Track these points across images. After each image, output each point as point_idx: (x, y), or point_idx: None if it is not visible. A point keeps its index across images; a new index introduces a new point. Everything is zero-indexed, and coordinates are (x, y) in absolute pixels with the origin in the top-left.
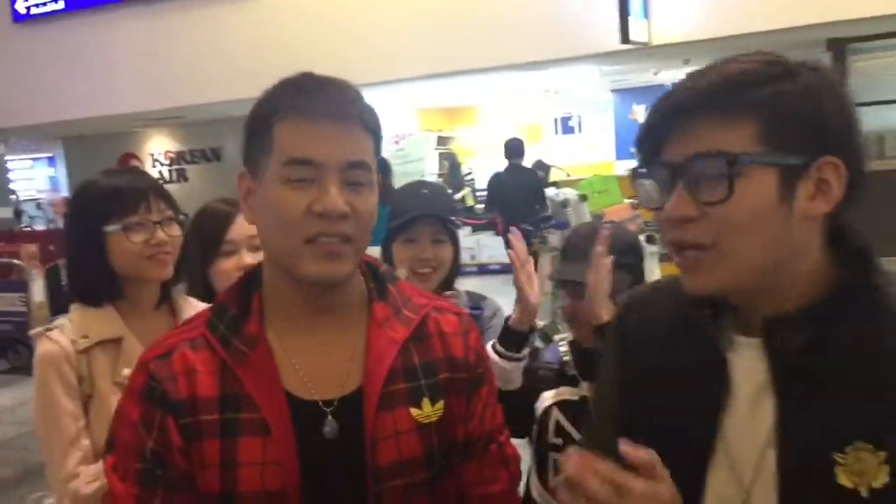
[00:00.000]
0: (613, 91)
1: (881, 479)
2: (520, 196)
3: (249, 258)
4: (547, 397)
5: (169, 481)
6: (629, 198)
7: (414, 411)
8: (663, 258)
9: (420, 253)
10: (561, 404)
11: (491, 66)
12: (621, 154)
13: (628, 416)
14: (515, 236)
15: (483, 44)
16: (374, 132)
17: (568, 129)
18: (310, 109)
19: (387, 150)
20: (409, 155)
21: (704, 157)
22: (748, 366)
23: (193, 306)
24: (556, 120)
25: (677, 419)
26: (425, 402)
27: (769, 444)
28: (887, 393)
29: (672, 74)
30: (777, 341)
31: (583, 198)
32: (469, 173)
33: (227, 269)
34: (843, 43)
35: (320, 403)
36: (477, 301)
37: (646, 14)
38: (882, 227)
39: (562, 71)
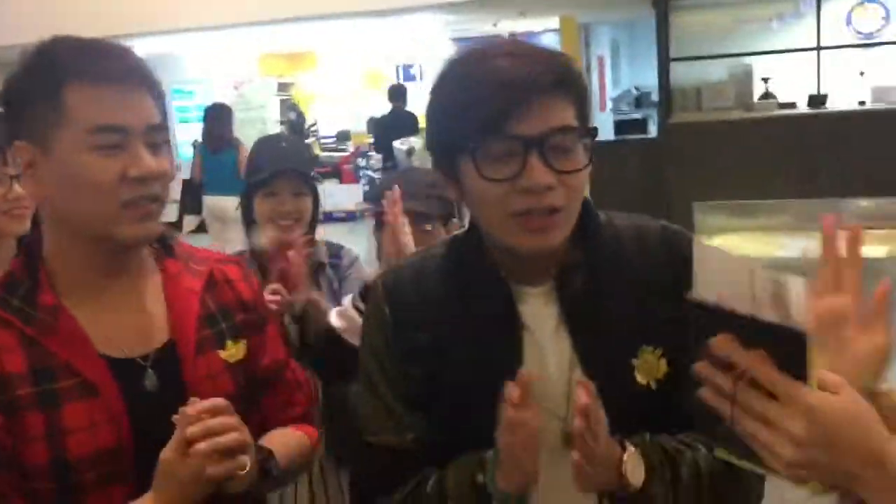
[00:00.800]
0: (453, 40)
1: (662, 370)
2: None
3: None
4: None
5: None
6: None
7: (222, 353)
8: None
9: (281, 206)
10: None
11: (336, 13)
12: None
13: (417, 393)
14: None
15: None
16: (159, 93)
17: (409, 77)
18: (104, 74)
19: (227, 96)
20: (251, 101)
21: (561, 131)
22: (538, 312)
23: None
24: (397, 67)
25: (479, 377)
26: (229, 343)
27: (572, 370)
28: (648, 302)
29: (510, 25)
30: (566, 286)
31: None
32: (314, 123)
33: None
34: (664, 1)
35: (137, 360)
36: (336, 251)
37: None
38: (701, 174)
39: (404, 19)
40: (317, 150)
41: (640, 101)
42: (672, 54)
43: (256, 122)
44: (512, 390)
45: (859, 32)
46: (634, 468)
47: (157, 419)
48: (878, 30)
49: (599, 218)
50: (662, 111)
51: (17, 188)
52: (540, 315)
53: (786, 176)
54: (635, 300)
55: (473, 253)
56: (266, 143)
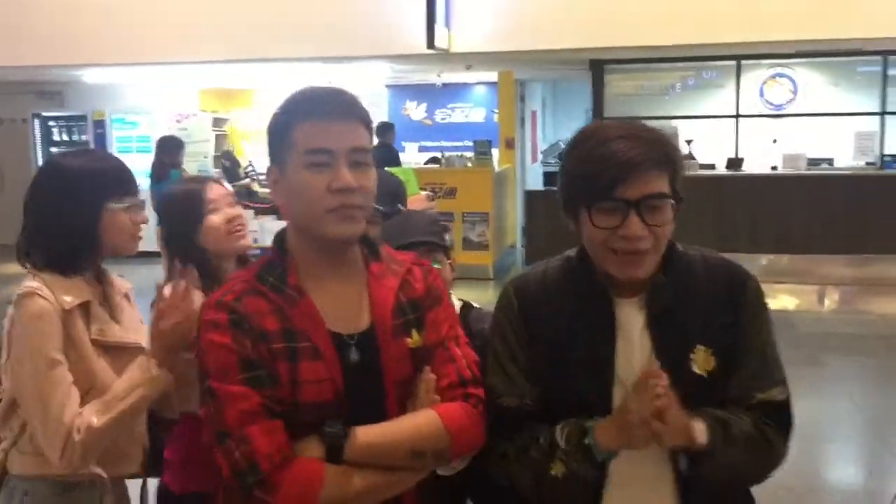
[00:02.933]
0: (388, 86)
1: (711, 364)
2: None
3: (232, 211)
4: None
5: (272, 380)
6: (423, 189)
7: (409, 341)
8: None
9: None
10: None
11: (283, 57)
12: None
13: (536, 368)
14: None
15: (289, 35)
16: (368, 124)
17: None
18: (320, 112)
19: (170, 129)
20: (192, 135)
21: (655, 196)
22: (628, 317)
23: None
24: None
25: (584, 360)
26: (414, 332)
27: (651, 360)
28: (707, 313)
29: (453, 76)
30: (654, 298)
31: None
32: (249, 164)
33: (217, 222)
34: (601, 64)
35: (345, 337)
36: None
37: (447, 24)
38: None
39: (346, 65)
40: (255, 187)
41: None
42: (605, 114)
43: (198, 155)
44: (658, 380)
45: (770, 103)
46: (700, 430)
47: (358, 386)
48: (788, 102)
49: (679, 250)
50: None
51: (144, 213)
52: (631, 320)
53: (703, 232)
54: (700, 311)
55: (586, 270)
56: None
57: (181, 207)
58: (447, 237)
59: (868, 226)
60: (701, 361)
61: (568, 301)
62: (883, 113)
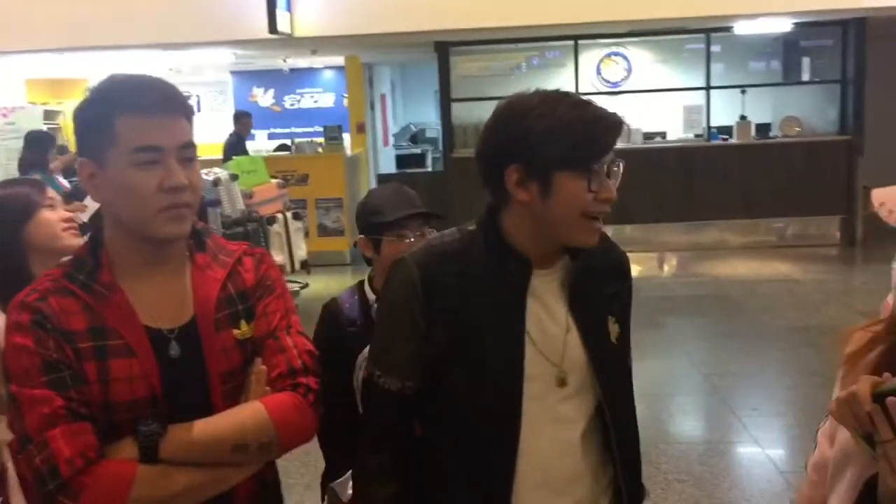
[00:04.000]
0: (233, 73)
1: (616, 331)
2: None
3: (65, 213)
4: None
5: (78, 380)
6: (274, 177)
7: (235, 332)
8: (307, 235)
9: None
10: None
11: (117, 45)
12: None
13: (443, 340)
14: None
15: (126, 21)
16: (190, 116)
17: None
18: (144, 105)
19: None
20: (21, 129)
21: (620, 161)
22: (544, 285)
23: None
24: None
25: (495, 327)
26: (242, 323)
27: (568, 331)
28: (606, 288)
29: (300, 62)
30: (573, 268)
31: (234, 177)
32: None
33: (53, 217)
34: (446, 46)
35: (164, 331)
36: None
37: (289, 8)
38: (481, 204)
39: (184, 52)
40: None
41: (416, 137)
42: (452, 96)
43: None
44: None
45: (607, 81)
46: None
47: (178, 381)
48: (623, 79)
49: None
50: (446, 147)
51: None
52: (547, 291)
53: None
54: (601, 282)
55: (501, 241)
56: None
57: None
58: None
59: (698, 194)
60: (612, 329)
61: (477, 272)
62: (708, 88)
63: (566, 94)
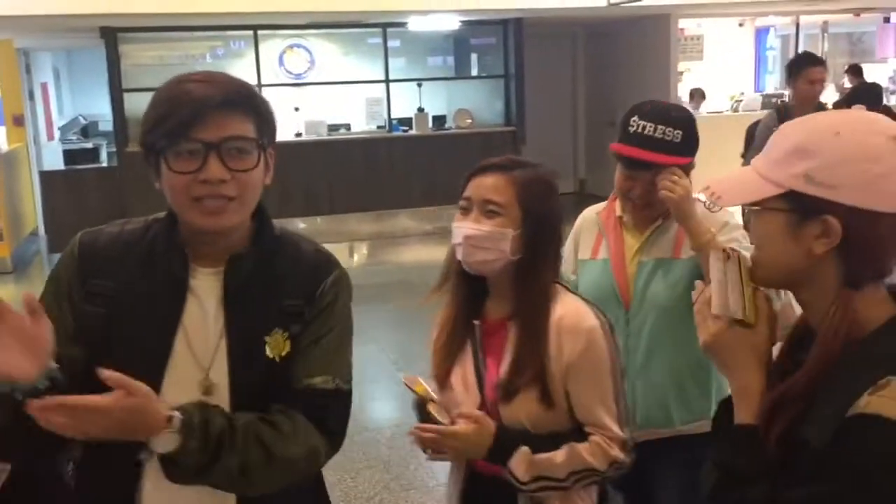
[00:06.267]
0: None
1: (287, 348)
2: None
3: None
4: None
5: None
6: None
7: None
8: None
9: None
10: None
11: None
12: None
13: (87, 326)
14: None
15: None
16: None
17: None
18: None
19: None
20: None
21: (237, 139)
22: (206, 286)
23: None
24: None
25: (147, 317)
26: None
27: (222, 337)
28: (283, 300)
29: None
30: (233, 270)
31: None
32: None
33: None
34: (114, 32)
35: None
36: None
37: None
38: (160, 201)
39: None
40: None
41: (87, 130)
42: (123, 85)
43: None
44: None
45: (290, 73)
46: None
47: None
48: (307, 71)
49: (272, 229)
50: (119, 141)
51: None
52: (209, 291)
53: None
54: (278, 294)
55: (166, 232)
56: None
57: None
58: None
59: (382, 184)
60: (276, 345)
61: (141, 261)
62: (387, 80)
63: (195, 73)
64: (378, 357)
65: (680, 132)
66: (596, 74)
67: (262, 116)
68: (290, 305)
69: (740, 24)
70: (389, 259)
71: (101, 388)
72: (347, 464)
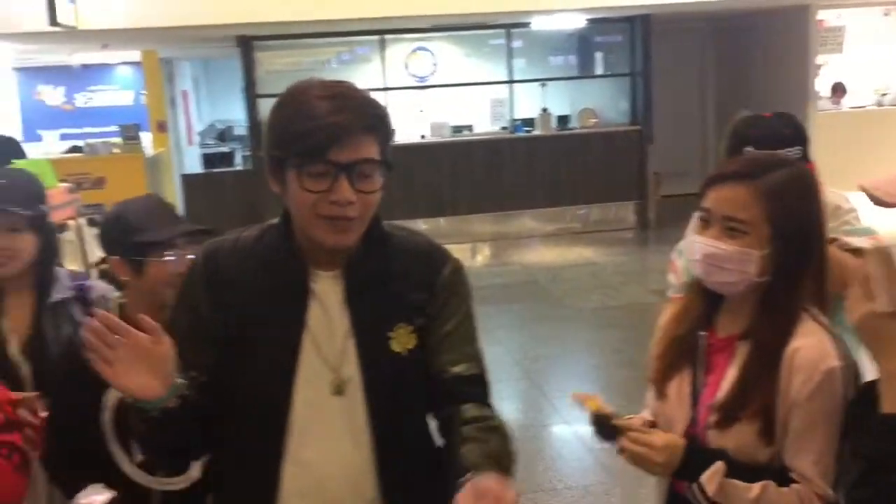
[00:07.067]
0: (16, 69)
1: (412, 342)
2: None
3: None
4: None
5: None
6: (64, 181)
7: None
8: None
9: None
10: None
11: None
12: (28, 136)
13: (221, 336)
14: None
15: None
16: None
17: None
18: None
19: None
20: None
21: (366, 162)
22: (326, 288)
23: None
24: None
25: (273, 324)
26: None
27: (348, 336)
28: (403, 295)
29: (88, 56)
30: (352, 272)
31: None
32: None
33: None
34: (249, 41)
35: None
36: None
37: None
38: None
39: None
40: None
41: (223, 135)
42: (257, 91)
43: None
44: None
45: (415, 76)
46: None
47: None
48: (430, 74)
49: (382, 227)
50: (254, 145)
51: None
52: (330, 293)
53: None
54: (398, 289)
55: (283, 239)
56: None
57: None
58: None
59: (505, 184)
60: (401, 339)
61: (260, 268)
62: (510, 81)
63: (321, 83)
64: (503, 358)
65: (799, 148)
66: (727, 70)
67: (387, 137)
68: (410, 299)
69: (885, 14)
70: (513, 260)
71: (229, 396)
72: None
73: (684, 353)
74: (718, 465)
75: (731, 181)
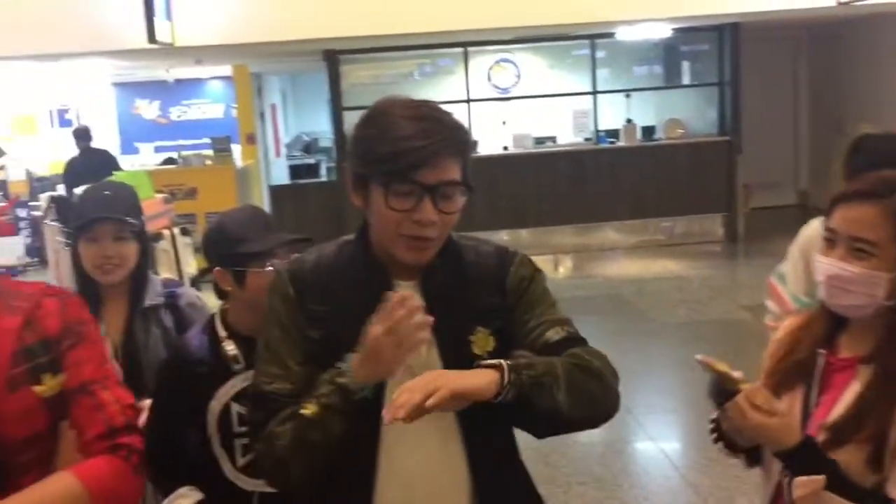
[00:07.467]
0: (115, 84)
1: (490, 344)
2: (98, 179)
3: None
4: (222, 394)
5: None
6: (160, 192)
7: (37, 388)
8: (197, 250)
9: (102, 251)
10: (237, 397)
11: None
12: (126, 148)
13: (313, 351)
14: None
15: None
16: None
17: (66, 122)
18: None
19: None
20: None
21: (450, 184)
22: None
23: None
24: (51, 112)
25: (358, 338)
26: (47, 377)
27: (431, 344)
28: (479, 301)
29: (183, 72)
30: (430, 281)
31: None
32: None
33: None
34: (335, 54)
35: None
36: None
37: (168, 16)
38: None
39: (63, 63)
40: None
41: (309, 146)
42: (343, 104)
43: None
44: (396, 296)
45: (497, 87)
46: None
47: None
48: (513, 85)
49: (452, 237)
50: (340, 157)
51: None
52: None
53: None
54: (473, 295)
55: (362, 252)
56: (91, 192)
57: None
58: None
59: (588, 196)
60: (480, 342)
61: (345, 282)
62: (594, 92)
63: (407, 102)
64: None
65: None
66: (821, 79)
67: (469, 159)
68: (486, 303)
69: None
70: (595, 272)
71: None
72: (559, 478)
73: (800, 371)
74: (819, 479)
75: (858, 200)
